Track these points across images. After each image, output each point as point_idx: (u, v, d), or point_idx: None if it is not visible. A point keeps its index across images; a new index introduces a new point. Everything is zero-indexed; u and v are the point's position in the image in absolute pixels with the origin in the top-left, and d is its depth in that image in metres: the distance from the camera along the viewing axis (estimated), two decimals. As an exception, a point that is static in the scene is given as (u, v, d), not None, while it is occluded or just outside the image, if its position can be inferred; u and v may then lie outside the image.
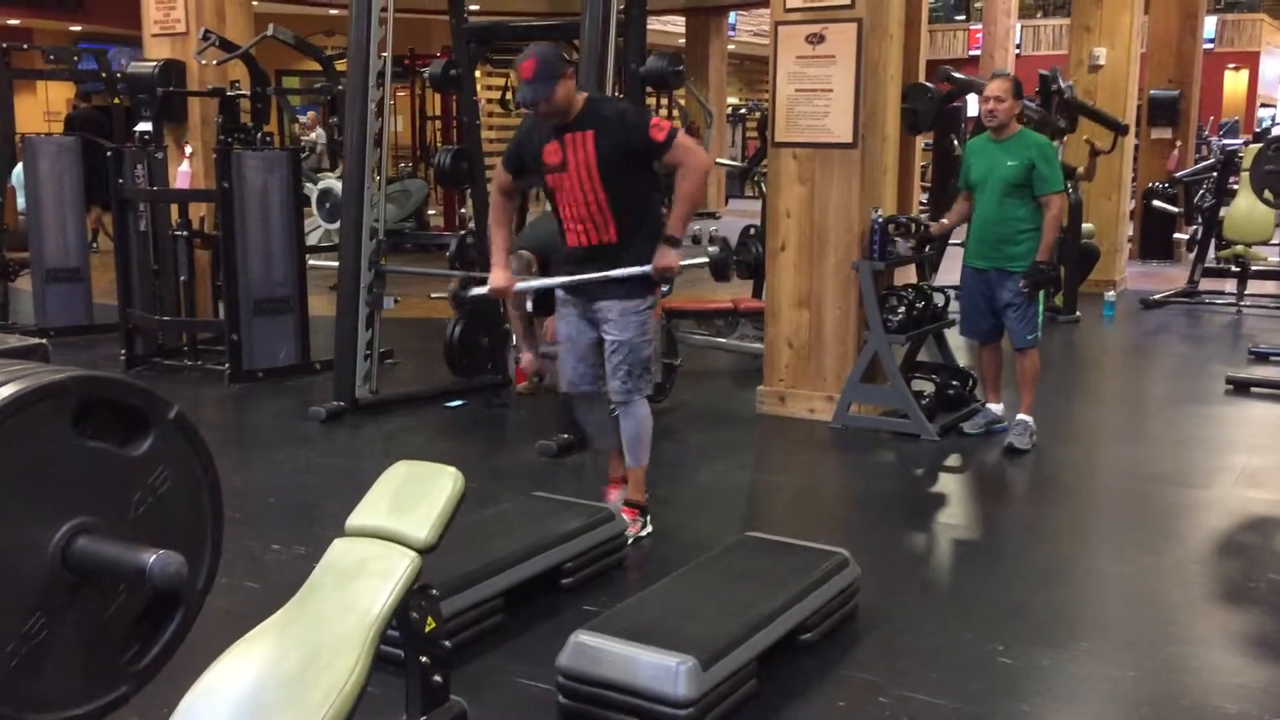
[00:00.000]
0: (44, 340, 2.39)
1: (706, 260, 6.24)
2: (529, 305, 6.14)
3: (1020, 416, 5.12)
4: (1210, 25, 19.55)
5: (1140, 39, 10.27)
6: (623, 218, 3.69)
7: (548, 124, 3.70)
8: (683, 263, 3.99)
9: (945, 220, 5.60)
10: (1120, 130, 8.86)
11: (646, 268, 3.72)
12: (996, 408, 5.35)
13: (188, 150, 7.17)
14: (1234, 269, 8.98)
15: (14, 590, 1.59)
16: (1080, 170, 8.65)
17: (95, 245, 8.81)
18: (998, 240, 5.06)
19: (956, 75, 8.59)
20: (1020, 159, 4.96)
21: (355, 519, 2.29)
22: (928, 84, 8.57)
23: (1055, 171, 5.01)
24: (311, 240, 9.05)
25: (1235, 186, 9.24)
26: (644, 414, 3.92)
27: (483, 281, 4.18)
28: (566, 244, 3.85)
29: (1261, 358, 6.97)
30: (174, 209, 6.87)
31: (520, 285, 4.14)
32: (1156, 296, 9.19)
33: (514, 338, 6.28)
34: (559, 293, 3.94)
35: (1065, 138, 8.54)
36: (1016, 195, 4.99)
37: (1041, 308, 5.14)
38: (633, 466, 3.98)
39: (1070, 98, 8.53)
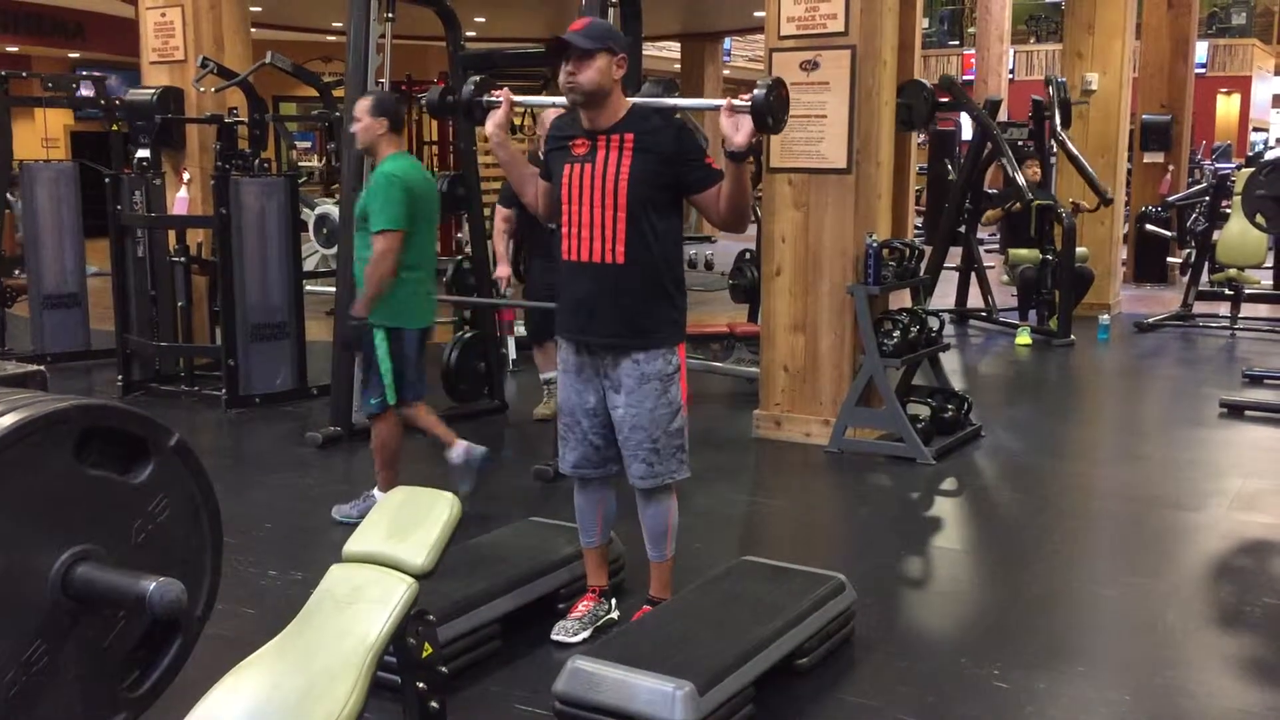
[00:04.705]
0: (41, 367, 2.40)
1: None
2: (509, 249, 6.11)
3: (374, 492, 4.37)
4: (1202, 50, 19.64)
5: (1132, 64, 10.33)
6: (634, 238, 3.09)
7: (578, 124, 3.15)
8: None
9: None
10: (1105, 200, 8.79)
11: (717, 103, 2.99)
12: (381, 496, 4.21)
13: (186, 176, 7.20)
14: (1227, 292, 9.01)
15: (14, 618, 1.60)
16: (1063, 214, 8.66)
17: None
18: (355, 282, 4.25)
19: (957, 86, 8.63)
20: (366, 188, 4.28)
21: (352, 544, 2.30)
22: (923, 80, 8.65)
23: (383, 206, 4.06)
24: (308, 265, 9.06)
25: (1228, 210, 9.31)
26: (670, 504, 3.30)
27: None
28: (560, 258, 3.21)
29: (1255, 381, 7.00)
30: (172, 234, 6.90)
31: (519, 99, 3.40)
32: (1150, 319, 9.22)
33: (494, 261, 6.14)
34: (559, 352, 3.29)
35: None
36: (361, 230, 4.24)
37: (389, 369, 4.23)
38: (658, 561, 3.37)
39: (1062, 139, 8.62)
